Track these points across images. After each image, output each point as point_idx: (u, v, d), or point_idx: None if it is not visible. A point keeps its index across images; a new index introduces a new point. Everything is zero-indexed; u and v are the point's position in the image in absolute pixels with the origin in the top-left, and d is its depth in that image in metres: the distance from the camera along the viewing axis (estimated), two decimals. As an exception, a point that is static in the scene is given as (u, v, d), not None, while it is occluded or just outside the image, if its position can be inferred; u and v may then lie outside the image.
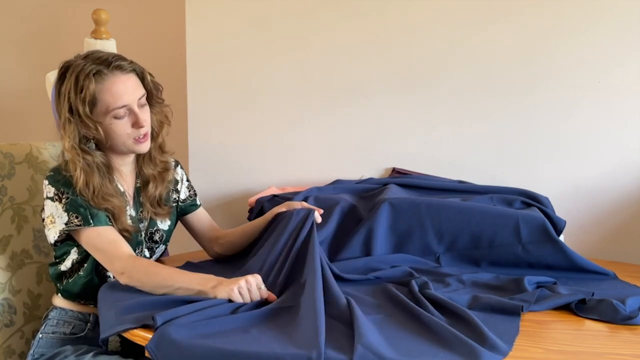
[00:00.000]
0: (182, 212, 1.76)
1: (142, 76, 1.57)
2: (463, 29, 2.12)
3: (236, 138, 2.30)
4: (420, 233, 1.76)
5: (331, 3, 2.19)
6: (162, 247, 1.70)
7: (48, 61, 2.43)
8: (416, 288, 1.42)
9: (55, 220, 1.50)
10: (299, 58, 2.24)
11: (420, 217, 1.77)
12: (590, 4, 2.02)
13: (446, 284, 1.53)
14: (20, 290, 1.73)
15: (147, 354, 1.16)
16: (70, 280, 1.58)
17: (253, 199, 2.04)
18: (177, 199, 1.74)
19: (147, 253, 1.66)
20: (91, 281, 1.56)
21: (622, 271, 1.69)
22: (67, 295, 1.60)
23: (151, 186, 1.64)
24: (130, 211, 1.61)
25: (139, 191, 1.65)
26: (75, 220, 1.48)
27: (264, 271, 1.46)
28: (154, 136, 1.63)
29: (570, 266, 1.67)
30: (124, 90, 1.50)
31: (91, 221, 1.49)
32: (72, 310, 1.60)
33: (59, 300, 1.62)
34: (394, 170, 2.21)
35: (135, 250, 1.59)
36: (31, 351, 1.56)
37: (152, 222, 1.66)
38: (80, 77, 1.47)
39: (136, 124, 1.52)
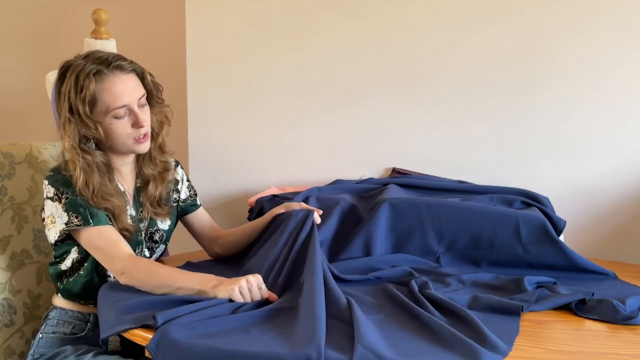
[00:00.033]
0: (182, 212, 1.76)
1: (142, 76, 1.57)
2: (463, 29, 2.12)
3: (236, 138, 2.30)
4: (420, 233, 1.76)
5: (331, 3, 2.19)
6: (162, 247, 1.70)
7: (48, 61, 2.43)
8: (416, 288, 1.42)
9: (55, 220, 1.50)
10: (299, 58, 2.24)
11: (420, 217, 1.77)
12: (590, 4, 2.02)
13: (446, 284, 1.53)
14: (20, 290, 1.73)
15: (147, 354, 1.16)
16: (70, 280, 1.58)
17: (253, 199, 2.04)
18: (177, 198, 1.74)
19: (147, 253, 1.66)
20: (91, 281, 1.56)
21: (622, 271, 1.69)
22: (67, 295, 1.60)
23: (151, 186, 1.64)
24: (131, 211, 1.61)
25: (139, 191, 1.65)
26: (75, 220, 1.48)
27: (264, 271, 1.46)
28: (154, 136, 1.63)
29: (570, 266, 1.67)
30: (124, 90, 1.50)
31: (91, 221, 1.49)
32: (72, 310, 1.60)
33: (59, 300, 1.62)
34: (394, 170, 2.21)
35: (135, 250, 1.59)
36: (31, 351, 1.56)
37: (152, 222, 1.66)
38: (80, 77, 1.47)
39: (136, 124, 1.52)
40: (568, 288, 1.50)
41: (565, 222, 1.78)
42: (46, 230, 1.54)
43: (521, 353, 1.15)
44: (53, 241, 1.54)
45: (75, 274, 1.57)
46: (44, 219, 1.56)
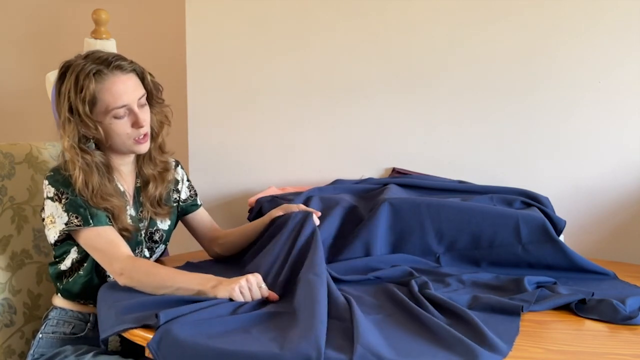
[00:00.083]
0: (182, 212, 1.76)
1: (142, 76, 1.57)
2: (463, 29, 2.12)
3: (236, 138, 2.30)
4: (420, 233, 1.76)
5: (331, 3, 2.19)
6: (162, 247, 1.70)
7: (48, 61, 2.43)
8: (416, 288, 1.42)
9: (55, 220, 1.50)
10: (299, 58, 2.24)
11: (420, 217, 1.77)
12: (590, 4, 2.02)
13: (446, 284, 1.53)
14: (20, 290, 1.73)
15: (147, 354, 1.17)
16: (70, 280, 1.58)
17: (253, 199, 2.04)
18: (177, 198, 1.74)
19: (147, 253, 1.66)
20: (91, 281, 1.56)
21: (622, 271, 1.69)
22: (67, 295, 1.60)
23: (151, 186, 1.64)
24: (130, 211, 1.61)
25: (139, 191, 1.65)
26: (75, 221, 1.48)
27: (263, 271, 1.46)
28: (154, 136, 1.63)
29: (570, 266, 1.67)
30: (124, 90, 1.50)
31: (91, 221, 1.49)
32: (72, 310, 1.60)
33: (58, 300, 1.62)
34: (394, 170, 2.21)
35: (135, 250, 1.59)
36: (31, 351, 1.56)
37: (152, 222, 1.66)
38: (80, 77, 1.47)
39: (136, 124, 1.52)
40: (568, 288, 1.50)
41: (565, 222, 1.78)
42: (46, 230, 1.54)
43: (521, 353, 1.15)
44: (53, 241, 1.54)
45: (75, 274, 1.57)
46: (43, 219, 1.56)
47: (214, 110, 2.31)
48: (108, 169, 1.56)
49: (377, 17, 2.17)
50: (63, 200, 1.50)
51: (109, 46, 2.32)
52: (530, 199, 1.87)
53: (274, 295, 1.37)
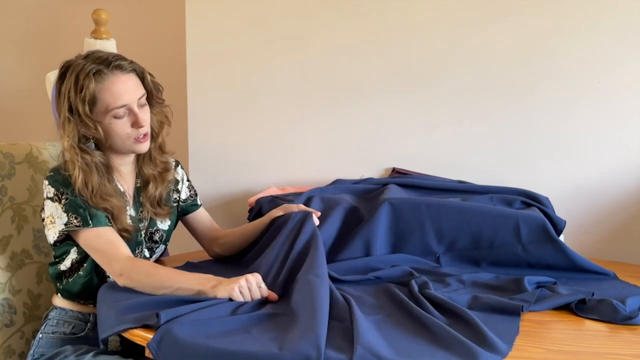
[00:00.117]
0: (183, 212, 1.76)
1: (142, 76, 1.57)
2: (463, 29, 2.12)
3: (236, 138, 2.30)
4: (420, 233, 1.76)
5: (331, 3, 2.19)
6: (162, 247, 1.70)
7: (48, 61, 2.43)
8: (416, 288, 1.42)
9: (55, 220, 1.50)
10: (299, 58, 2.24)
11: (420, 217, 1.77)
12: (590, 4, 2.02)
13: (446, 284, 1.53)
14: (20, 290, 1.73)
15: (147, 354, 1.16)
16: (70, 280, 1.58)
17: (253, 199, 2.04)
18: (177, 198, 1.74)
19: (147, 253, 1.66)
20: (91, 281, 1.56)
21: (622, 271, 1.69)
22: (67, 295, 1.60)
23: (151, 186, 1.64)
24: (130, 211, 1.61)
25: (139, 191, 1.65)
26: (75, 221, 1.48)
27: (263, 271, 1.46)
28: (154, 136, 1.63)
29: (570, 266, 1.67)
30: (124, 90, 1.50)
31: (90, 222, 1.49)
32: (72, 310, 1.60)
33: (58, 300, 1.62)
34: (394, 170, 2.21)
35: (135, 250, 1.59)
36: (31, 351, 1.56)
37: (152, 222, 1.66)
38: (80, 77, 1.48)
39: (136, 124, 1.52)
40: (568, 288, 1.50)
41: (565, 222, 1.78)
42: (46, 231, 1.54)
43: (521, 353, 1.15)
44: (52, 241, 1.54)
45: (75, 275, 1.57)
46: (43, 219, 1.56)
47: (214, 110, 2.31)
48: (108, 169, 1.56)
49: (377, 17, 2.17)
50: (63, 201, 1.50)
51: (109, 46, 2.32)
52: (530, 199, 1.87)
53: (273, 295, 1.37)
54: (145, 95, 1.56)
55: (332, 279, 1.50)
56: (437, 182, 2.03)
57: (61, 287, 1.60)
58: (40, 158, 1.81)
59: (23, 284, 1.74)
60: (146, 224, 1.65)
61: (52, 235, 1.52)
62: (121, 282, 1.43)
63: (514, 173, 2.12)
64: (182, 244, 1.96)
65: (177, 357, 1.12)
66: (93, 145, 1.54)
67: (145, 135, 1.55)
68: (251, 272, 1.40)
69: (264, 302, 1.35)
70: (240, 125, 2.30)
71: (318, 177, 2.23)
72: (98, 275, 1.57)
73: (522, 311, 1.33)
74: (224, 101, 2.30)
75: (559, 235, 1.72)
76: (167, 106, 1.65)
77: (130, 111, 1.52)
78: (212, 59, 2.28)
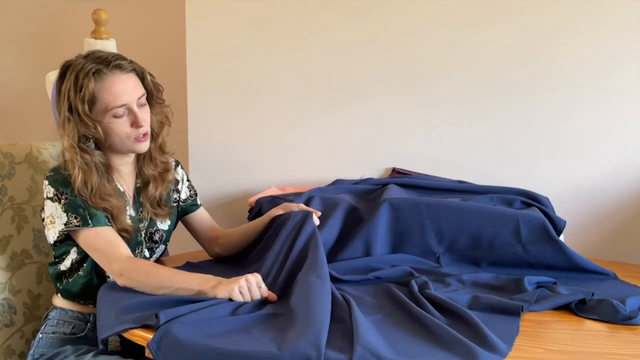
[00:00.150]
0: (183, 212, 1.76)
1: (142, 76, 1.57)
2: (463, 29, 2.12)
3: (236, 138, 2.30)
4: (420, 233, 1.76)
5: (331, 3, 2.19)
6: (162, 247, 1.70)
7: (48, 61, 2.43)
8: (416, 288, 1.42)
9: (54, 220, 1.50)
10: (299, 58, 2.24)
11: (420, 217, 1.77)
12: (590, 4, 2.02)
13: (446, 284, 1.53)
14: (20, 290, 1.73)
15: (147, 354, 1.16)
16: (70, 280, 1.58)
17: (253, 199, 2.04)
18: (177, 198, 1.74)
19: (147, 253, 1.66)
20: (91, 281, 1.56)
21: (622, 271, 1.69)
22: (67, 295, 1.60)
23: (151, 187, 1.64)
24: (130, 211, 1.61)
25: (139, 191, 1.65)
26: (74, 221, 1.48)
27: (263, 271, 1.46)
28: (154, 136, 1.63)
29: (570, 266, 1.67)
30: (123, 89, 1.50)
31: (90, 222, 1.49)
32: (72, 310, 1.61)
33: (58, 300, 1.62)
34: (394, 170, 2.21)
35: (134, 251, 1.59)
36: (31, 351, 1.56)
37: (152, 222, 1.66)
38: (79, 76, 1.48)
39: (135, 124, 1.52)
40: (568, 288, 1.50)
41: (565, 222, 1.78)
42: (46, 231, 1.54)
43: (521, 353, 1.15)
44: (52, 241, 1.54)
45: (75, 275, 1.57)
46: (43, 219, 1.56)
47: (214, 110, 2.31)
48: (107, 169, 1.56)
49: (377, 17, 2.17)
50: (62, 201, 1.49)
51: (109, 46, 2.32)
52: (530, 199, 1.87)
53: (272, 296, 1.37)
54: (145, 95, 1.56)
55: (333, 278, 1.50)
56: (437, 182, 2.03)
57: (61, 287, 1.60)
58: (40, 158, 1.81)
59: (23, 284, 1.74)
60: (146, 224, 1.65)
61: (52, 235, 1.52)
62: (121, 282, 1.43)
63: (514, 173, 2.12)
64: (182, 244, 1.96)
65: (177, 357, 1.12)
66: (93, 145, 1.54)
67: (145, 134, 1.55)
68: (251, 272, 1.40)
69: (263, 302, 1.35)
70: (240, 125, 2.30)
71: (318, 177, 2.23)
72: (98, 275, 1.57)
73: (522, 311, 1.33)
74: (224, 101, 2.30)
75: (559, 235, 1.72)
76: (168, 106, 1.65)
77: (130, 111, 1.52)
78: (212, 59, 2.28)
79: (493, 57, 2.11)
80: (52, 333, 1.58)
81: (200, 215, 1.78)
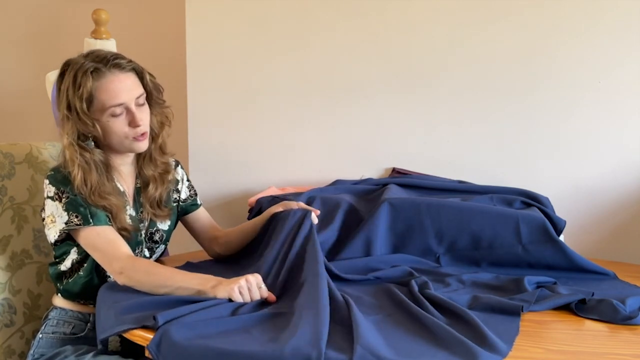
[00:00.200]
0: (183, 212, 1.76)
1: (141, 76, 1.56)
2: (463, 29, 2.12)
3: (236, 138, 2.30)
4: (420, 233, 1.76)
5: (331, 3, 2.19)
6: (162, 247, 1.70)
7: (48, 61, 2.43)
8: (416, 288, 1.42)
9: (55, 219, 1.50)
10: (299, 58, 2.24)
11: (420, 218, 1.77)
12: (590, 4, 2.02)
13: (446, 284, 1.53)
14: (20, 290, 1.73)
15: (147, 354, 1.16)
16: (70, 280, 1.58)
17: (253, 199, 2.04)
18: (177, 198, 1.74)
19: (147, 253, 1.66)
20: (91, 281, 1.56)
21: (622, 271, 1.69)
22: (67, 295, 1.60)
23: (151, 187, 1.64)
24: (130, 211, 1.61)
25: (139, 192, 1.65)
26: (75, 220, 1.48)
27: (263, 271, 1.46)
28: (154, 137, 1.63)
29: (570, 266, 1.67)
30: (121, 88, 1.50)
31: (91, 220, 1.49)
32: (72, 310, 1.60)
33: (59, 300, 1.62)
34: (394, 170, 2.21)
35: (135, 250, 1.59)
36: (31, 351, 1.56)
37: (152, 223, 1.66)
38: (78, 75, 1.48)
39: (133, 123, 1.52)
40: (568, 288, 1.50)
41: (565, 222, 1.78)
42: (46, 230, 1.54)
43: (521, 353, 1.15)
44: (53, 241, 1.54)
45: (75, 275, 1.57)
46: (44, 219, 1.56)
47: (214, 110, 2.31)
48: (107, 168, 1.56)
49: (377, 17, 2.17)
50: (63, 200, 1.50)
51: (109, 46, 2.32)
52: (530, 199, 1.87)
53: (272, 297, 1.37)
54: (144, 95, 1.56)
55: (333, 276, 1.50)
56: (437, 182, 2.03)
57: (61, 287, 1.60)
58: (40, 158, 1.81)
59: (23, 284, 1.74)
60: (146, 224, 1.65)
61: (52, 234, 1.52)
62: (121, 280, 1.43)
63: (514, 173, 2.12)
64: (182, 244, 1.96)
65: (177, 358, 1.12)
66: (92, 144, 1.54)
67: (143, 134, 1.55)
68: (251, 272, 1.40)
69: (263, 302, 1.35)
70: (240, 125, 2.30)
71: (318, 177, 2.23)
72: (98, 275, 1.56)
73: (522, 311, 1.33)
74: (224, 101, 2.30)
75: (559, 235, 1.72)
76: (168, 107, 1.65)
77: (128, 110, 1.52)
78: (212, 59, 2.28)
79: (493, 57, 2.11)
80: (52, 333, 1.58)
81: (200, 215, 1.78)
